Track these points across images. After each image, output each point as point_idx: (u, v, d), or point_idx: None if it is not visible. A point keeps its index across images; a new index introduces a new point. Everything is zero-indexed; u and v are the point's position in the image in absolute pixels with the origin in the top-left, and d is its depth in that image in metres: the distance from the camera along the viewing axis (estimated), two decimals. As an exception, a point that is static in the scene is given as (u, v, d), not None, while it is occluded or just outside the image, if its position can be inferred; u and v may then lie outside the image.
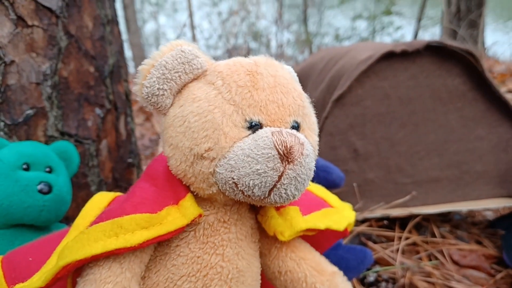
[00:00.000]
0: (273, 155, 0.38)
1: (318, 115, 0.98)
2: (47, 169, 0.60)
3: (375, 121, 0.87)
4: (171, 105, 0.43)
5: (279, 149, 0.38)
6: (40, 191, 0.56)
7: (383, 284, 0.78)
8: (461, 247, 0.88)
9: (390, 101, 0.87)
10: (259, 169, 0.38)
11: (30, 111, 0.63)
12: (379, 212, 0.87)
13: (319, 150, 0.87)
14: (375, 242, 0.90)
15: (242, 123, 0.40)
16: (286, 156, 0.38)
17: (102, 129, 0.75)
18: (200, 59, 0.42)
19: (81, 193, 0.71)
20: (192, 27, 5.62)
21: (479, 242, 0.92)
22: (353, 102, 0.85)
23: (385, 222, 0.94)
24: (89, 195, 0.72)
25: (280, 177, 0.38)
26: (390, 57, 0.84)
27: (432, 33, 6.71)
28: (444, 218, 0.99)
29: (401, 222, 0.94)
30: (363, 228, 0.92)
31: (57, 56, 0.66)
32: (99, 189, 0.74)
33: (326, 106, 0.87)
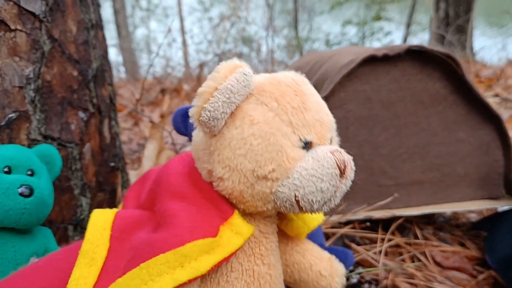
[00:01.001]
0: (336, 174, 0.42)
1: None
2: (29, 172, 0.60)
3: (358, 124, 0.88)
4: (223, 125, 0.43)
5: (340, 168, 0.42)
6: (21, 194, 0.56)
7: (366, 285, 0.79)
8: (444, 249, 0.89)
9: (372, 104, 0.88)
10: (323, 187, 0.42)
11: (12, 115, 0.63)
12: (362, 214, 0.88)
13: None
14: (358, 244, 0.90)
15: (298, 143, 0.43)
16: (343, 172, 0.42)
17: (85, 132, 0.75)
18: (253, 78, 0.43)
19: (64, 196, 0.72)
20: (183, 32, 5.63)
21: (462, 244, 0.93)
22: (336, 105, 0.86)
23: (368, 224, 0.95)
24: (72, 199, 0.72)
25: (335, 191, 0.43)
26: (372, 61, 0.85)
27: (421, 38, 6.79)
28: (427, 220, 1.00)
29: (384, 224, 0.95)
30: (346, 230, 0.92)
31: (40, 60, 0.67)
32: (82, 193, 0.74)
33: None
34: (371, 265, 0.83)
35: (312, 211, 0.43)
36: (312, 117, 0.44)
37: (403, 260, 0.87)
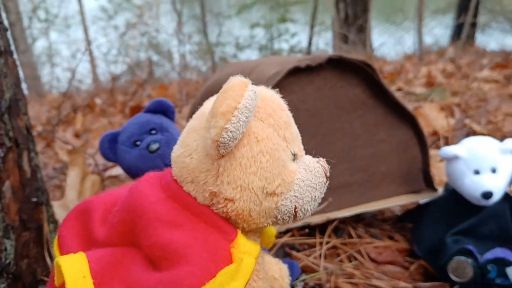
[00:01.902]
0: (324, 182, 0.46)
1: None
2: None
3: (288, 134, 0.90)
4: None
5: (327, 175, 0.46)
6: None
7: (311, 291, 0.81)
8: (376, 245, 0.94)
9: (300, 113, 0.90)
10: (315, 196, 0.46)
11: None
12: (300, 221, 0.90)
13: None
14: (298, 251, 0.92)
15: (291, 157, 0.45)
16: (327, 180, 0.46)
17: (3, 169, 0.68)
18: None
19: (-17, 243, 0.64)
20: (88, 42, 5.36)
21: (391, 238, 0.99)
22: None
23: (307, 230, 0.97)
24: (-6, 245, 0.66)
25: (320, 198, 0.46)
26: (296, 72, 0.87)
27: (325, 38, 7.12)
28: (358, 218, 1.05)
29: (321, 228, 0.98)
30: (286, 239, 0.94)
31: None
32: (5, 235, 0.67)
33: (240, 123, 0.88)
34: (313, 270, 0.85)
35: (302, 219, 0.46)
36: (294, 130, 0.47)
37: (341, 261, 0.90)
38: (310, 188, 0.45)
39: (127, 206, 0.44)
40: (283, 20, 6.82)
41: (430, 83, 2.88)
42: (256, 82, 0.92)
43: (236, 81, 0.41)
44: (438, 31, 7.92)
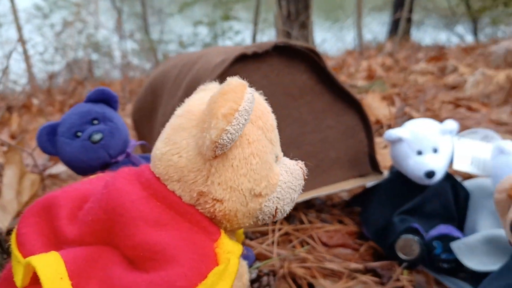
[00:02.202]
0: (302, 184, 0.48)
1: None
2: None
3: (237, 122, 0.89)
4: None
5: (305, 178, 0.49)
6: None
7: (265, 278, 0.80)
8: (327, 229, 0.96)
9: (248, 101, 0.90)
10: (294, 197, 0.47)
11: None
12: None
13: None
14: (251, 239, 0.92)
15: (275, 159, 0.46)
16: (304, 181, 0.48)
17: None
18: None
19: None
20: (23, 42, 5.08)
21: (341, 222, 1.01)
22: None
23: (258, 218, 0.97)
24: None
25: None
26: (243, 59, 0.86)
27: (269, 35, 7.18)
28: (309, 205, 1.06)
29: (273, 216, 0.98)
30: (238, 228, 0.93)
31: None
32: None
33: (187, 113, 0.86)
34: (266, 257, 0.85)
35: (278, 219, 0.48)
36: (277, 133, 0.48)
37: (294, 247, 0.90)
38: (291, 190, 0.46)
39: (105, 204, 0.41)
40: (226, 17, 6.81)
41: (370, 76, 2.98)
42: (202, 71, 0.90)
43: (236, 83, 0.41)
44: (376, 27, 8.23)
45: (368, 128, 1.00)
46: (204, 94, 0.47)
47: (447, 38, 7.18)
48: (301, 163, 0.49)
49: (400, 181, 0.94)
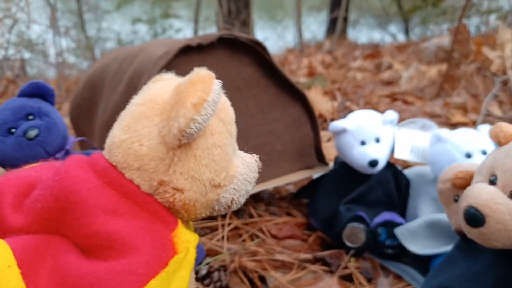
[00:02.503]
0: (256, 177, 0.49)
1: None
2: None
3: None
4: None
5: (259, 170, 0.50)
6: None
7: (215, 274, 0.79)
8: (276, 222, 0.96)
9: (193, 94, 0.88)
10: (249, 189, 0.49)
11: None
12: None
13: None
14: (201, 235, 0.90)
15: (233, 151, 0.47)
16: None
17: None
18: None
19: None
20: None
21: (289, 214, 1.02)
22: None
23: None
24: None
25: None
26: (188, 51, 0.84)
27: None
28: (257, 198, 1.06)
29: (222, 210, 0.97)
30: (186, 224, 0.91)
31: None
32: None
33: (130, 107, 0.83)
34: (217, 253, 0.84)
35: (232, 210, 0.48)
36: (235, 127, 0.48)
37: (244, 241, 0.90)
38: (247, 182, 0.47)
39: (57, 191, 0.39)
40: (166, 15, 6.69)
41: (311, 73, 3.05)
42: (144, 64, 0.87)
43: (205, 74, 0.41)
44: (314, 27, 8.43)
45: (314, 121, 1.01)
46: (166, 83, 0.47)
47: (381, 37, 7.50)
48: (255, 156, 0.50)
49: (345, 171, 0.96)
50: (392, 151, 0.94)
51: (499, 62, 2.22)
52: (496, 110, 1.72)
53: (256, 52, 0.92)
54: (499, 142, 0.48)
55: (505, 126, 0.48)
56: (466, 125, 1.62)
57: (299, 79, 2.76)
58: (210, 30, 7.00)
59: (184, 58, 0.85)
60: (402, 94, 2.09)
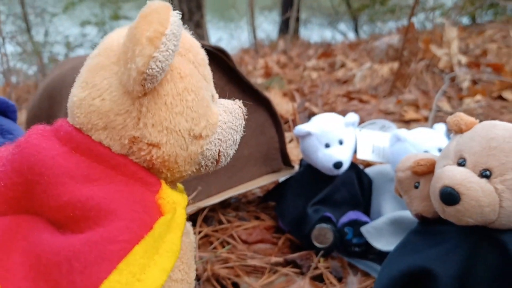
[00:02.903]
0: (243, 124, 0.46)
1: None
2: None
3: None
4: None
5: (244, 118, 0.46)
6: None
7: (189, 283, 0.79)
8: (245, 227, 0.97)
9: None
10: (237, 139, 0.45)
11: None
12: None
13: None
14: (171, 245, 0.90)
15: (211, 97, 0.42)
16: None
17: None
18: None
19: None
20: None
21: (258, 218, 1.03)
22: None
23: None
24: None
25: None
26: (151, 60, 0.83)
27: (163, 35, 7.02)
28: (226, 204, 1.07)
29: (192, 219, 0.97)
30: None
31: None
32: None
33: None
34: (189, 262, 0.84)
35: (223, 165, 0.45)
36: (210, 70, 0.44)
37: (215, 248, 0.90)
38: (232, 131, 0.44)
39: (18, 165, 0.35)
40: (116, 17, 6.52)
41: (267, 73, 3.08)
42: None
43: (159, 4, 0.35)
44: (267, 26, 8.50)
45: (278, 124, 1.03)
46: (122, 29, 0.41)
47: (332, 35, 7.66)
48: (239, 102, 0.47)
49: (311, 173, 0.98)
50: (355, 152, 0.97)
51: (446, 59, 2.33)
52: (446, 106, 1.81)
53: (219, 60, 0.92)
54: (461, 130, 0.52)
55: (463, 115, 0.53)
56: (418, 121, 1.69)
57: (257, 80, 2.78)
58: (163, 31, 6.89)
59: (147, 68, 0.84)
60: (357, 93, 2.15)
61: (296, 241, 0.93)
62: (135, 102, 0.37)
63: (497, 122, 0.50)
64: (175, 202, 0.37)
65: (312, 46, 4.79)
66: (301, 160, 1.05)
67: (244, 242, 0.93)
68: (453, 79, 2.12)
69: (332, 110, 1.80)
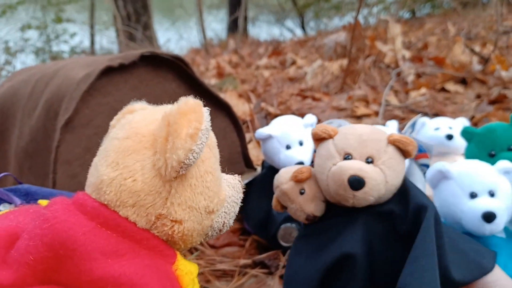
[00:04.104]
0: (241, 197, 0.50)
1: (45, 145, 0.88)
2: None
3: (110, 138, 0.85)
4: None
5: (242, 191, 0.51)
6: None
7: (161, 292, 0.79)
8: (212, 231, 0.98)
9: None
10: (236, 210, 0.49)
11: None
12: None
13: (59, 182, 0.78)
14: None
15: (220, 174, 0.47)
16: None
17: None
18: None
19: None
20: None
21: (223, 221, 1.04)
22: (83, 124, 0.80)
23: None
24: None
25: None
26: (109, 71, 0.83)
27: (109, 36, 6.86)
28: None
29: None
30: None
31: None
32: None
33: (52, 134, 0.80)
34: (159, 272, 0.84)
35: (222, 233, 0.49)
36: (218, 150, 0.48)
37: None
38: (235, 204, 0.48)
39: (49, 240, 0.36)
40: (59, 20, 6.28)
41: (220, 73, 3.08)
42: (64, 87, 0.84)
43: (194, 103, 0.41)
44: (215, 25, 8.48)
45: (239, 129, 1.04)
46: (145, 114, 0.46)
47: (280, 32, 7.77)
48: (238, 177, 0.52)
49: (273, 175, 0.99)
50: (315, 151, 1.00)
51: (391, 55, 2.43)
52: (394, 100, 1.90)
53: (178, 68, 0.92)
54: (330, 136, 0.62)
55: (326, 125, 0.63)
56: (369, 116, 1.76)
57: (210, 81, 2.78)
58: (108, 33, 6.72)
59: (106, 79, 0.83)
60: (310, 91, 2.20)
61: (262, 242, 0.95)
62: (165, 184, 0.41)
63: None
64: (191, 273, 0.42)
65: (262, 44, 4.84)
66: (263, 162, 1.07)
67: (212, 246, 0.94)
68: (399, 74, 2.22)
69: (287, 109, 1.84)
